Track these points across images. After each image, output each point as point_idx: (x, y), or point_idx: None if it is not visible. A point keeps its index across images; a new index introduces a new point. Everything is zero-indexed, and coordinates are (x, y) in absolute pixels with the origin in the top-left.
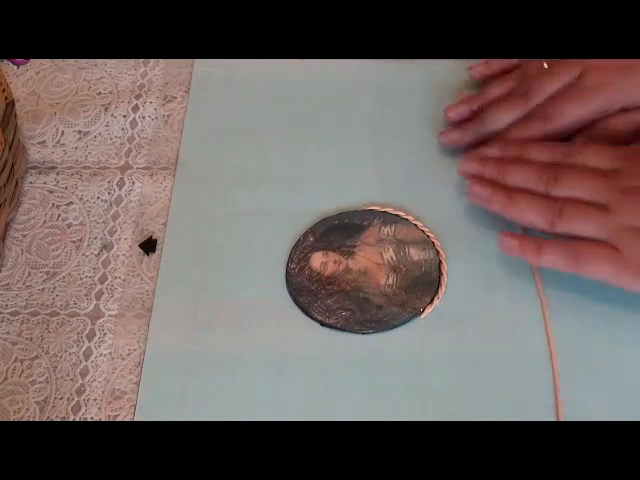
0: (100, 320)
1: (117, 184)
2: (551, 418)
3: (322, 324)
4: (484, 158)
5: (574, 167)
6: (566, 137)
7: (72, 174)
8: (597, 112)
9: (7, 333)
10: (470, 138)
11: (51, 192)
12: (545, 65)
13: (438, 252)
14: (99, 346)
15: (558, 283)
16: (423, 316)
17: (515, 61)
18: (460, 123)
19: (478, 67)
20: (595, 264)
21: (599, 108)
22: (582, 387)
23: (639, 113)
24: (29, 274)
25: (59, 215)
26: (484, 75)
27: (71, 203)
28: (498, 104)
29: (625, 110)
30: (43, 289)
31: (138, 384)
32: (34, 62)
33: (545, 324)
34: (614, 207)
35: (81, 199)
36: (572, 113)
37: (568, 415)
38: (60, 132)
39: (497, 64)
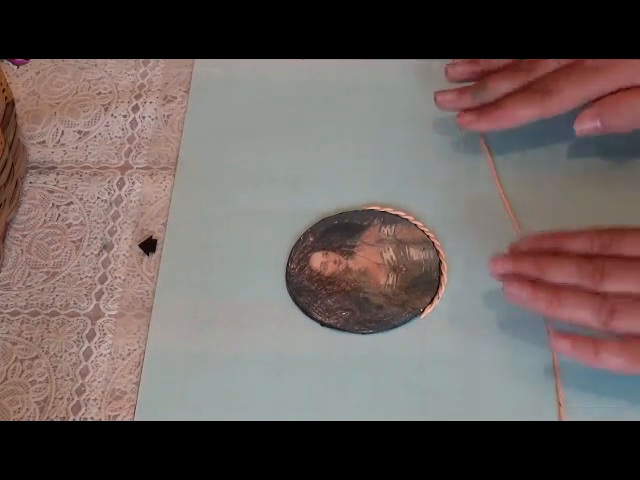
0: (100, 320)
1: (117, 184)
2: (552, 418)
3: (322, 324)
4: (517, 254)
5: (621, 258)
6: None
7: (72, 174)
8: (596, 93)
9: (7, 333)
10: (466, 102)
11: (51, 192)
12: None
13: (438, 252)
14: (99, 346)
15: None
16: (423, 316)
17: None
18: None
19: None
20: None
21: (599, 89)
22: (583, 386)
23: None
24: (29, 274)
25: (59, 215)
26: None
27: (71, 203)
28: (500, 72)
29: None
30: (43, 289)
31: (138, 384)
32: (34, 62)
33: (546, 323)
34: None
35: (81, 199)
36: (571, 91)
37: (569, 415)
38: (60, 132)
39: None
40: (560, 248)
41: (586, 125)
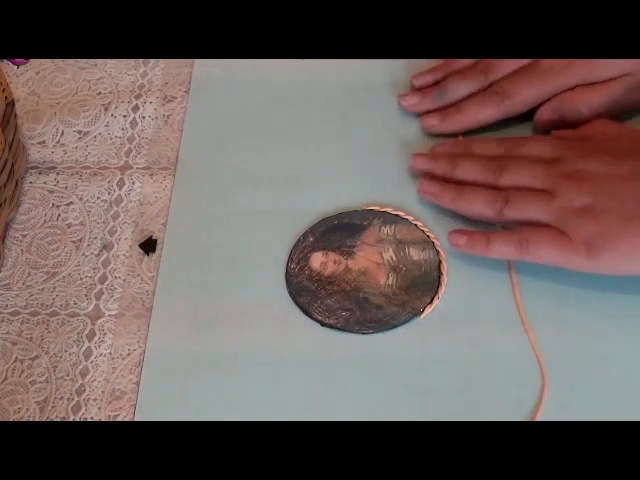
0: (100, 320)
1: (117, 184)
2: (553, 418)
3: (322, 324)
4: (435, 154)
5: (519, 158)
6: (521, 115)
7: (72, 174)
8: (553, 91)
9: (7, 333)
10: (428, 104)
11: (51, 192)
12: None
13: (438, 252)
14: (99, 346)
15: (541, 307)
16: (423, 316)
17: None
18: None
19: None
20: (542, 248)
21: (556, 88)
22: (585, 386)
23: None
24: (29, 274)
25: (59, 215)
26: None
27: (71, 203)
28: (459, 75)
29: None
30: (43, 289)
31: (138, 384)
32: (34, 62)
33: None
34: (557, 191)
35: (81, 199)
36: (528, 92)
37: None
38: (60, 132)
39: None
40: (471, 150)
41: (545, 118)
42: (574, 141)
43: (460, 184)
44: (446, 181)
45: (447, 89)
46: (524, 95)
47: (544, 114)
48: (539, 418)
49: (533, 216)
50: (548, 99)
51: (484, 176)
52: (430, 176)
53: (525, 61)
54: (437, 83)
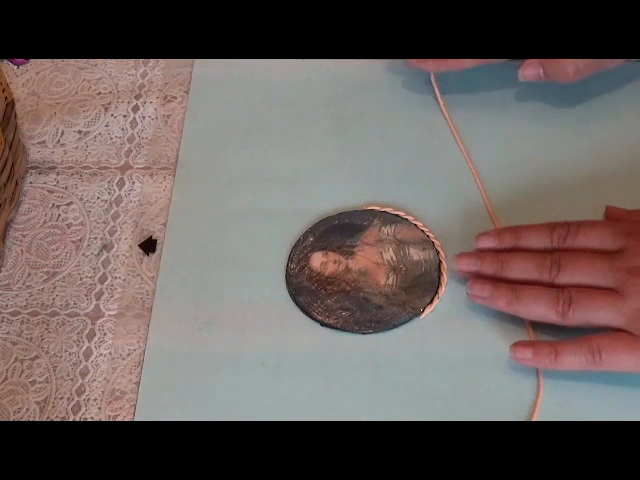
0: (100, 320)
1: (117, 184)
2: (551, 418)
3: (322, 324)
4: (480, 252)
5: (575, 251)
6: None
7: (72, 174)
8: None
9: (7, 333)
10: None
11: (51, 192)
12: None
13: (438, 252)
14: (99, 346)
15: None
16: (423, 316)
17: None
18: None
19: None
20: (618, 356)
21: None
22: (583, 386)
23: None
24: (29, 274)
25: (59, 215)
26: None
27: (71, 203)
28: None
29: None
30: (43, 289)
31: (138, 384)
32: (34, 62)
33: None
34: (626, 290)
35: (81, 199)
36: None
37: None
38: (60, 132)
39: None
40: (519, 244)
41: (530, 72)
42: (635, 225)
43: (512, 282)
44: (497, 280)
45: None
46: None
47: (529, 67)
48: (537, 418)
49: (602, 319)
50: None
51: (539, 274)
52: (477, 276)
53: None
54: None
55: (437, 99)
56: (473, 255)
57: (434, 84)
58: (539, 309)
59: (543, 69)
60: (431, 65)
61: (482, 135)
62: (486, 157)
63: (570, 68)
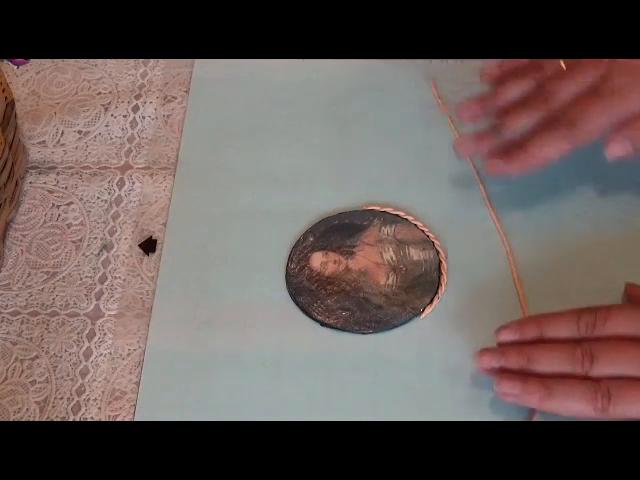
0: (100, 320)
1: (117, 184)
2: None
3: (322, 324)
4: (502, 347)
5: (606, 340)
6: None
7: (72, 174)
8: (622, 116)
9: (7, 333)
10: (488, 147)
11: (51, 192)
12: (563, 65)
13: (438, 252)
14: (99, 346)
15: (560, 281)
16: (423, 316)
17: (528, 61)
18: (474, 125)
19: (489, 70)
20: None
21: (627, 112)
22: None
23: None
24: (29, 274)
25: (59, 215)
26: (495, 76)
27: (71, 203)
28: (516, 109)
29: None
30: (43, 289)
31: (138, 384)
32: (34, 62)
33: None
34: None
35: (81, 199)
36: (598, 118)
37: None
38: (60, 132)
39: (509, 64)
40: (544, 335)
41: (618, 150)
42: None
43: (541, 376)
44: (524, 374)
45: (505, 125)
46: (592, 124)
47: (615, 145)
48: (537, 418)
49: None
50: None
51: (570, 367)
52: (504, 373)
53: (587, 82)
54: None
55: (437, 100)
56: (496, 351)
57: (434, 90)
58: (576, 405)
59: (631, 143)
60: (514, 169)
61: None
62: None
63: None
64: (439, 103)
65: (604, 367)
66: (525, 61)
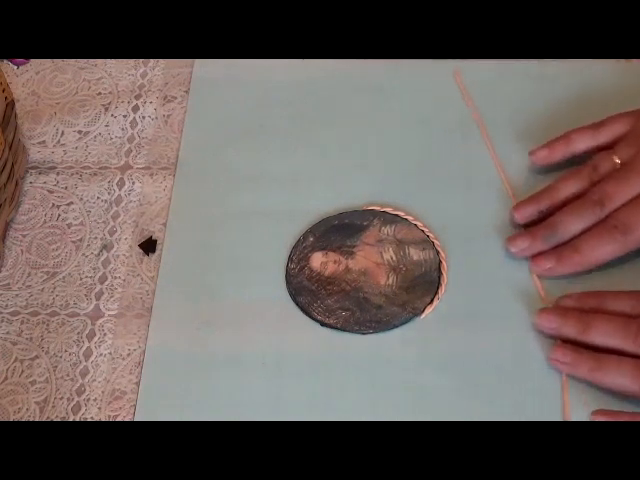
0: (100, 320)
1: (117, 184)
2: (557, 418)
3: (322, 324)
4: (563, 309)
5: None
6: None
7: (72, 174)
8: None
9: (7, 333)
10: (541, 247)
11: (51, 192)
12: (617, 160)
13: (438, 252)
14: (99, 346)
15: (558, 282)
16: (423, 316)
17: (582, 148)
18: (527, 225)
19: (541, 152)
20: None
21: None
22: (589, 385)
23: None
24: (29, 274)
25: (59, 215)
26: (547, 162)
27: (71, 203)
28: (571, 210)
29: None
30: (43, 289)
31: (138, 384)
32: (34, 62)
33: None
34: None
35: (81, 199)
36: None
37: (575, 415)
38: (60, 132)
39: (561, 151)
40: (603, 307)
41: None
42: None
43: (594, 348)
44: (578, 344)
45: (559, 228)
46: None
47: None
48: (543, 418)
49: None
50: None
51: (624, 341)
52: (561, 342)
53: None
54: (541, 214)
55: (464, 98)
56: (556, 312)
57: (459, 82)
58: (623, 380)
59: None
60: (566, 270)
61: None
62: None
63: None
64: (464, 96)
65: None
66: (576, 147)
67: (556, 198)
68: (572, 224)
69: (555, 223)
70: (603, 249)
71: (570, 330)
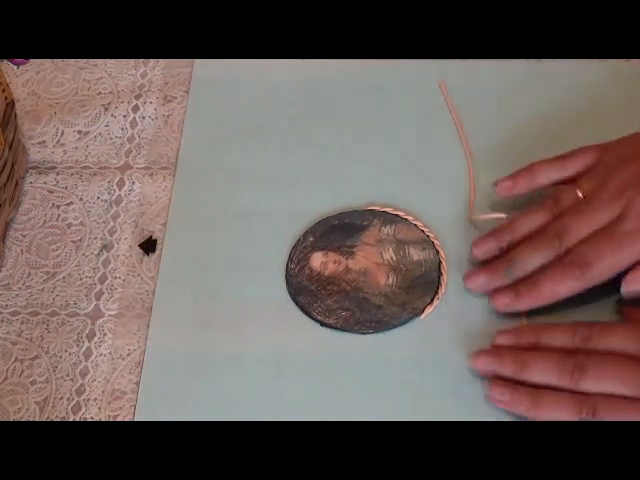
0: (100, 320)
1: (117, 184)
2: None
3: (322, 324)
4: (498, 350)
5: (599, 355)
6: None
7: (72, 174)
8: (633, 258)
9: (7, 333)
10: (499, 282)
11: (51, 192)
12: (580, 194)
13: (438, 252)
14: (99, 346)
15: None
16: (423, 316)
17: (545, 182)
18: (486, 262)
19: (504, 183)
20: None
21: (635, 254)
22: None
23: None
24: (29, 274)
25: (59, 215)
26: (511, 194)
27: (71, 203)
28: (529, 245)
29: None
30: (43, 289)
31: (138, 384)
32: (34, 62)
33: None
34: None
35: (81, 199)
36: (611, 261)
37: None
38: (60, 132)
39: (525, 184)
40: (539, 342)
41: (634, 287)
42: None
43: (533, 385)
44: (516, 382)
45: (517, 263)
46: (605, 264)
47: (632, 283)
48: None
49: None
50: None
51: (560, 379)
52: (497, 379)
53: (603, 221)
54: (502, 250)
55: (448, 105)
56: (491, 353)
57: (443, 92)
58: (561, 416)
59: None
60: (523, 305)
61: (484, 134)
62: (487, 156)
63: None
64: (449, 109)
65: (594, 382)
66: (538, 181)
67: (517, 232)
68: (531, 259)
69: (513, 258)
70: (561, 285)
71: (507, 370)
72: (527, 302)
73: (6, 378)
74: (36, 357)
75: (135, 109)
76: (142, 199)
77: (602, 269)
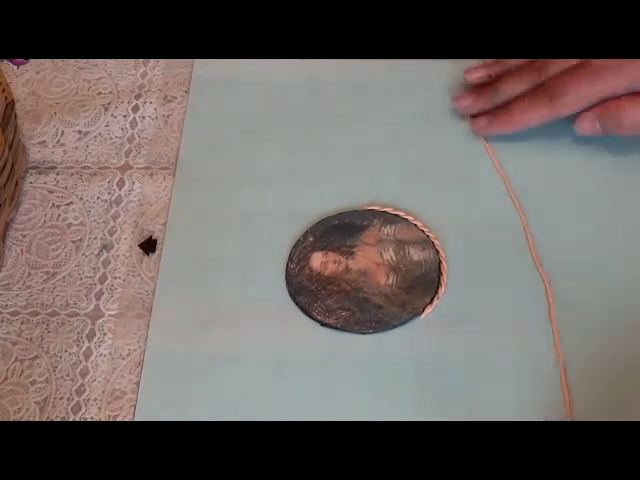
0: (100, 320)
1: (117, 184)
2: (558, 418)
3: (322, 324)
4: (475, 90)
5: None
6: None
7: (72, 174)
8: (603, 93)
9: (7, 333)
10: (482, 105)
11: (51, 192)
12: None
13: (438, 252)
14: (99, 346)
15: (563, 281)
16: (423, 316)
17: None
18: (475, 88)
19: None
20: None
21: (605, 89)
22: (591, 385)
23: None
24: (29, 274)
25: (59, 215)
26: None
27: (71, 203)
28: (513, 74)
29: (632, 94)
30: (43, 289)
31: (138, 384)
32: (34, 62)
33: (552, 323)
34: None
35: (81, 199)
36: (577, 93)
37: (576, 415)
38: (60, 132)
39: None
40: (507, 64)
41: (585, 127)
42: None
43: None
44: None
45: (499, 90)
46: (572, 95)
47: (584, 122)
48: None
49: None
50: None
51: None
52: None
53: (578, 60)
54: (490, 78)
55: (486, 147)
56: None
57: (486, 145)
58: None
59: (599, 122)
60: (495, 130)
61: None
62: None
63: (627, 121)
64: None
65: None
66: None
67: (506, 66)
68: (512, 87)
69: (497, 85)
70: (532, 112)
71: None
72: (499, 126)
73: (6, 378)
74: (36, 357)
75: (135, 109)
76: (142, 199)
77: (570, 99)
